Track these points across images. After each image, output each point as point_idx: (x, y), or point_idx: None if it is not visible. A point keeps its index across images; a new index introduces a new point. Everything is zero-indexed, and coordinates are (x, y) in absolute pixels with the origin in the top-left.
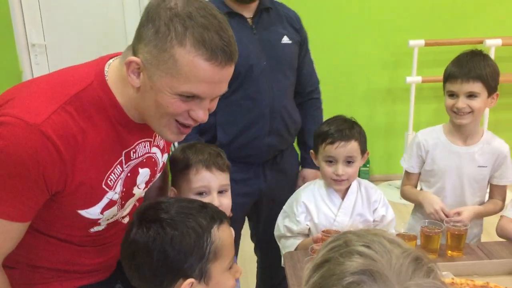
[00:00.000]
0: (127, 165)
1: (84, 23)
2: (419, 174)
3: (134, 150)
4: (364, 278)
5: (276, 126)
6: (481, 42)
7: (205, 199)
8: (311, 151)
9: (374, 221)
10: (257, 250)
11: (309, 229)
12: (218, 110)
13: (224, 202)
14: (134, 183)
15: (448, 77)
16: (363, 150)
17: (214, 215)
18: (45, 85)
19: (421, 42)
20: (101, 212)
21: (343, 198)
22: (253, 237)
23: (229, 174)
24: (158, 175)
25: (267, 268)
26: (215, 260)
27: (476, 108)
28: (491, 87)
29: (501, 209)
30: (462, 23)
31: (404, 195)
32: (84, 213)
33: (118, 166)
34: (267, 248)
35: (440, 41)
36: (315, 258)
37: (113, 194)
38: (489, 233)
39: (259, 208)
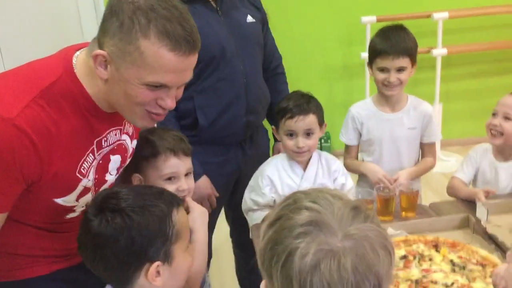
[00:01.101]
0: (98, 153)
1: (39, 22)
2: (358, 146)
3: (105, 139)
4: (311, 228)
5: (252, 104)
6: (429, 16)
7: (174, 184)
8: (273, 126)
9: (335, 189)
10: (232, 230)
11: (274, 201)
12: (196, 94)
13: (190, 184)
14: (106, 170)
15: (380, 53)
16: (321, 123)
17: (172, 199)
18: (14, 79)
19: (373, 18)
20: (77, 200)
21: (304, 169)
22: (228, 217)
23: (191, 157)
24: (128, 160)
25: (243, 245)
26: (176, 242)
27: (404, 80)
28: (414, 59)
29: (433, 165)
30: None
31: (348, 168)
32: (61, 201)
33: (90, 154)
34: (240, 225)
35: (390, 16)
36: (269, 217)
37: (87, 182)
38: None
39: (238, 184)
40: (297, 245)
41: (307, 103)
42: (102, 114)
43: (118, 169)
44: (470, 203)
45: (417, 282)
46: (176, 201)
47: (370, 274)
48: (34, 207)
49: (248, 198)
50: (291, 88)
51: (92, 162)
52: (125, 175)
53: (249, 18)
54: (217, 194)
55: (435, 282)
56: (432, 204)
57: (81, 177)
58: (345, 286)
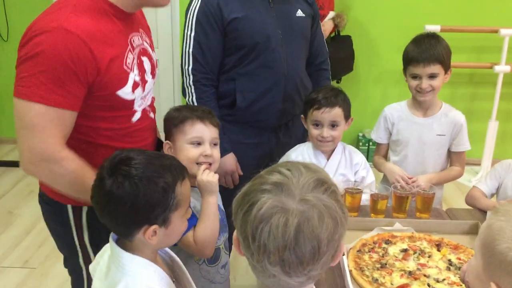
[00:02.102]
0: (134, 51)
1: None
2: (387, 145)
3: (133, 40)
4: (275, 188)
5: (290, 93)
6: (496, 31)
7: (199, 149)
8: (302, 116)
9: (355, 181)
10: None
11: None
12: (238, 77)
13: (215, 154)
14: (144, 69)
15: (411, 61)
16: (347, 116)
17: (179, 172)
18: (47, 10)
19: (437, 27)
20: (132, 91)
21: (328, 158)
22: None
23: (218, 131)
24: (156, 70)
25: None
26: (175, 210)
27: (436, 86)
28: (447, 66)
29: (461, 174)
30: (477, 11)
31: (374, 165)
32: (121, 93)
33: (129, 52)
34: None
35: (456, 27)
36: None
37: (134, 76)
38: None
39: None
40: (259, 198)
41: (335, 96)
42: (124, 16)
43: (152, 73)
44: (486, 213)
45: (410, 273)
46: (182, 173)
47: (311, 236)
48: (103, 113)
49: None
50: (347, 86)
51: (133, 60)
52: (161, 143)
53: (299, 12)
54: (241, 173)
55: (427, 276)
56: (448, 209)
57: (128, 70)
58: (286, 240)
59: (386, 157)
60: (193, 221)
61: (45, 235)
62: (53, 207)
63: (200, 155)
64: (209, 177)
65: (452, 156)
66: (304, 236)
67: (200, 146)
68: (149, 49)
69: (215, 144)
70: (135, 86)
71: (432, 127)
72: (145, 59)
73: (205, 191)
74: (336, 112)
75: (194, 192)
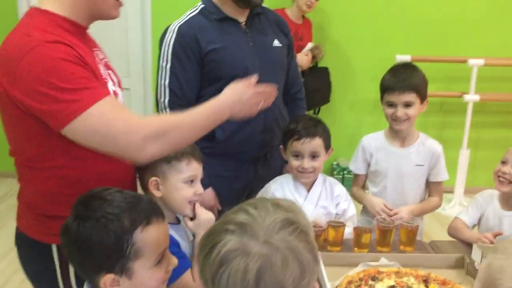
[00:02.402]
0: (101, 64)
1: None
2: (366, 175)
3: (96, 54)
4: (238, 228)
5: (269, 124)
6: (464, 61)
7: (193, 188)
8: (281, 146)
9: (336, 214)
10: None
11: None
12: None
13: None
14: (113, 81)
15: (387, 89)
16: (327, 147)
17: (143, 216)
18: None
19: (408, 57)
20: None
21: (308, 190)
22: None
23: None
24: (120, 84)
25: None
26: (136, 259)
27: (411, 115)
28: (423, 95)
29: (439, 205)
30: (446, 42)
31: (353, 196)
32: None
33: (99, 64)
34: None
35: (426, 57)
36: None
37: (111, 85)
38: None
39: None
40: (221, 239)
41: (314, 126)
42: (83, 31)
43: (120, 87)
44: (470, 246)
45: None
46: (148, 217)
47: (273, 282)
48: None
49: None
50: (323, 115)
51: (104, 71)
52: (143, 179)
53: (276, 42)
54: (220, 207)
55: None
56: (432, 242)
57: (106, 79)
58: (246, 286)
59: (364, 187)
60: (185, 263)
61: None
62: (35, 247)
63: (194, 194)
64: (208, 215)
65: (430, 186)
66: (265, 282)
67: (192, 184)
68: (111, 64)
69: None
70: (115, 96)
71: (410, 157)
72: (111, 72)
73: (203, 229)
74: (317, 143)
75: (179, 229)
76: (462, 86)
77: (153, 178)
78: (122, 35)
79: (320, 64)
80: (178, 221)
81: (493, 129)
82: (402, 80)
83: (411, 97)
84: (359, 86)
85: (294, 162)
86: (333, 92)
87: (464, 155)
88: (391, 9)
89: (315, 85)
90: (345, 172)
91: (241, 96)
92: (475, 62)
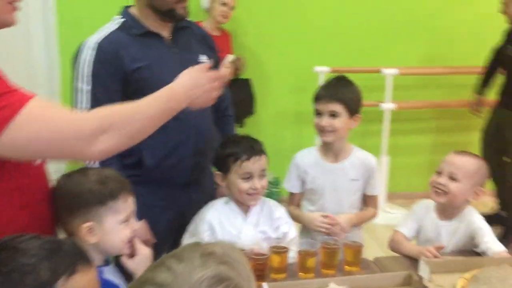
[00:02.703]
0: None
1: None
2: (301, 193)
3: None
4: None
5: (201, 145)
6: (379, 71)
7: (129, 227)
8: (217, 172)
9: (277, 238)
10: None
11: None
12: None
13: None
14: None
15: (316, 98)
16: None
17: (65, 263)
18: None
19: (326, 69)
20: None
21: (246, 215)
22: None
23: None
24: None
25: None
26: None
27: (337, 127)
28: (352, 109)
29: (374, 216)
30: (362, 53)
31: (290, 216)
32: None
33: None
34: None
35: (343, 68)
36: None
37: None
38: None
39: (182, 231)
40: None
41: (256, 144)
42: None
43: None
44: (413, 259)
45: None
46: (71, 263)
47: None
48: None
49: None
50: (248, 127)
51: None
52: (68, 224)
53: (204, 58)
54: (154, 240)
55: None
56: (376, 259)
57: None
58: None
59: (299, 206)
60: None
61: None
62: None
63: (132, 233)
64: (145, 250)
65: (366, 199)
66: None
67: (129, 222)
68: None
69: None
70: None
71: (345, 172)
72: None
73: (143, 267)
74: (264, 160)
75: (113, 271)
76: (379, 95)
77: (87, 224)
78: (25, 46)
79: (241, 76)
80: (107, 263)
81: (410, 136)
82: (332, 90)
83: (337, 107)
84: (280, 98)
85: (244, 185)
86: (256, 104)
87: (384, 162)
88: (310, 22)
89: (238, 97)
90: (271, 185)
91: (197, 81)
92: (389, 72)
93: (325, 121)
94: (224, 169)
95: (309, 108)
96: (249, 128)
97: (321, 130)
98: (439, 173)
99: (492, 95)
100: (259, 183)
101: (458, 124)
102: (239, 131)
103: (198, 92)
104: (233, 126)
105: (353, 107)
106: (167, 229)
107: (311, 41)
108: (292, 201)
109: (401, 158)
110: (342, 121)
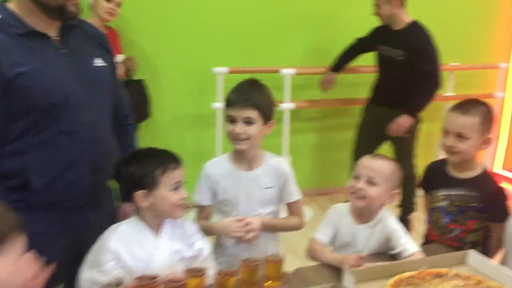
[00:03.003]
0: None
1: None
2: (212, 205)
3: None
4: None
5: (99, 161)
6: (277, 71)
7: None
8: (138, 192)
9: (192, 256)
10: None
11: (121, 279)
12: (30, 150)
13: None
14: None
15: (229, 104)
16: None
17: None
18: None
19: (225, 69)
20: None
21: (158, 235)
22: None
23: None
24: None
25: None
26: None
27: (252, 135)
28: (267, 115)
29: (299, 225)
30: (261, 53)
31: (202, 230)
32: None
33: None
34: None
35: (242, 69)
36: None
37: None
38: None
39: (79, 260)
40: None
41: (172, 152)
42: None
43: None
44: (335, 268)
45: None
46: None
47: None
48: None
49: (86, 277)
50: (143, 132)
51: None
52: None
53: (99, 61)
54: (49, 272)
55: None
56: (296, 271)
57: None
58: None
59: (209, 218)
60: None
61: None
62: None
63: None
64: None
65: (288, 208)
66: None
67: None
68: None
69: None
70: None
71: (259, 180)
72: None
73: None
74: (182, 171)
75: None
76: (278, 95)
77: None
78: None
79: (134, 77)
80: None
81: (309, 134)
82: (245, 95)
83: (252, 113)
84: (177, 100)
85: (175, 197)
86: (152, 107)
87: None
88: (206, 21)
89: (132, 100)
90: None
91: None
92: (287, 72)
93: (240, 128)
94: (150, 185)
95: (209, 111)
96: (145, 133)
97: (235, 138)
98: (356, 177)
99: (364, 93)
100: (185, 193)
101: (353, 121)
102: None
103: None
104: (134, 136)
105: (268, 112)
106: (62, 260)
107: (208, 41)
108: (203, 214)
109: (301, 157)
110: (257, 128)
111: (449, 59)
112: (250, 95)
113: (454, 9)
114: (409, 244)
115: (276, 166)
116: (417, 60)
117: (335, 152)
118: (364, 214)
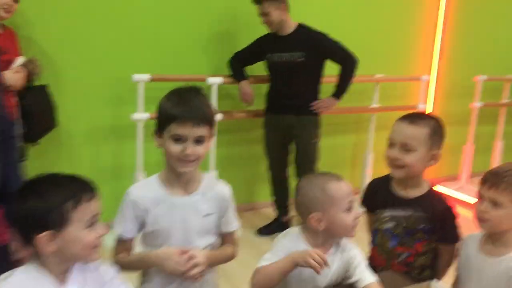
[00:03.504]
0: None
1: None
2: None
3: None
4: None
5: None
6: (204, 80)
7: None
8: (44, 234)
9: None
10: None
11: None
12: None
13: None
14: None
15: (175, 118)
16: None
17: None
18: None
19: (147, 76)
20: None
21: (64, 285)
22: None
23: None
24: None
25: None
26: None
27: (201, 154)
28: (213, 131)
29: (233, 255)
30: (185, 61)
31: (123, 266)
32: None
33: None
34: None
35: (167, 76)
36: None
37: None
38: None
39: None
40: None
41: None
42: None
43: None
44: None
45: None
46: None
47: None
48: None
49: None
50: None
51: None
52: None
53: None
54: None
55: None
56: None
57: None
58: None
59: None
60: None
61: None
62: None
63: None
64: None
65: (223, 238)
66: None
67: None
68: None
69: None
70: None
71: (196, 206)
72: None
73: None
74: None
75: None
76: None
77: None
78: None
79: (36, 83)
80: None
81: (235, 147)
82: (195, 109)
83: (205, 131)
84: (93, 110)
85: (90, 235)
86: (63, 118)
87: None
88: (122, 24)
89: (34, 108)
90: None
91: None
92: (215, 81)
93: (191, 149)
94: (58, 224)
95: (129, 122)
96: (51, 146)
97: (183, 160)
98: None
99: (261, 104)
100: (103, 228)
101: None
102: (35, 150)
103: None
104: (16, 152)
105: (214, 127)
106: None
107: (126, 43)
108: (125, 248)
109: (230, 171)
110: (206, 146)
111: (374, 70)
112: (201, 110)
113: (379, 23)
114: (365, 273)
115: (216, 190)
116: (321, 51)
117: (263, 165)
118: (319, 239)
